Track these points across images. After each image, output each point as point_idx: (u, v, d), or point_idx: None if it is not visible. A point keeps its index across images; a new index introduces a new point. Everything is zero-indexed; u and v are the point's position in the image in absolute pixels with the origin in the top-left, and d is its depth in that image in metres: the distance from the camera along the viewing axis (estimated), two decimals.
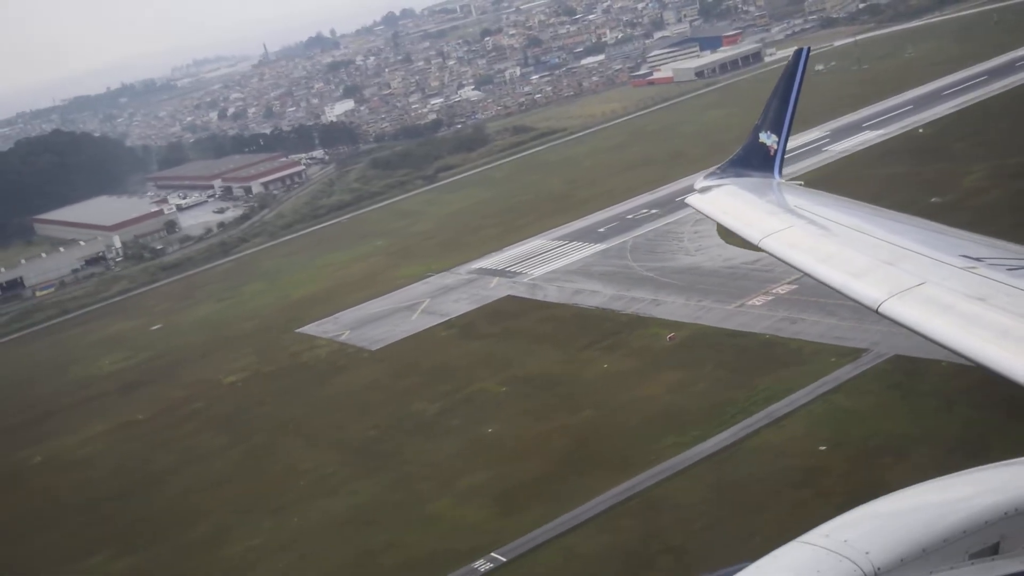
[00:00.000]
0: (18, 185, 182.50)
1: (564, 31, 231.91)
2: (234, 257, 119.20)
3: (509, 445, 52.19)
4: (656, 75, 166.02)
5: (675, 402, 52.12)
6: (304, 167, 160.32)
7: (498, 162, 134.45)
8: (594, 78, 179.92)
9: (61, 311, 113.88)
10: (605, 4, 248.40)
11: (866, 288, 20.97)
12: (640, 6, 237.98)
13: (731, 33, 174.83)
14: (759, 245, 27.06)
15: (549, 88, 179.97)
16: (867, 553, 12.68)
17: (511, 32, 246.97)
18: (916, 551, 12.90)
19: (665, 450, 47.48)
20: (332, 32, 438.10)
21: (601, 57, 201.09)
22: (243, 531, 50.38)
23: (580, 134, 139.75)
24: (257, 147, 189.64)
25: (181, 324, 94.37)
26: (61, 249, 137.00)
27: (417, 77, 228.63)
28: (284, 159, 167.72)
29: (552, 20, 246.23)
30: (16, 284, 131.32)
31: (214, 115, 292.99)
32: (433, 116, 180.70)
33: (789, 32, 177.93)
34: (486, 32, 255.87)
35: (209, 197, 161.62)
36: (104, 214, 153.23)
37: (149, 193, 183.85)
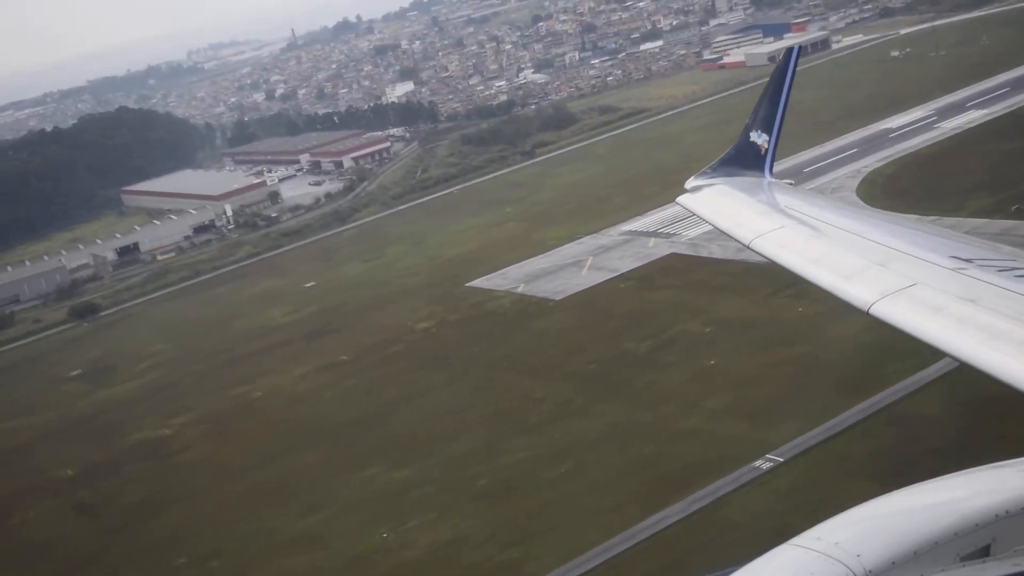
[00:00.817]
0: (101, 158, 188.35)
1: (616, 18, 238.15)
2: (354, 224, 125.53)
3: (736, 375, 58.13)
4: (726, 59, 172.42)
5: (883, 337, 58.40)
6: (390, 143, 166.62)
7: (593, 139, 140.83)
8: (661, 62, 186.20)
9: (194, 272, 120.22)
10: None
11: (857, 289, 21.09)
12: None
13: (800, 20, 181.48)
14: (750, 246, 27.26)
15: (619, 71, 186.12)
16: (858, 556, 12.82)
17: (563, 18, 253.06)
18: (907, 554, 13.01)
19: (891, 375, 53.54)
20: (358, 18, 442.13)
21: (659, 43, 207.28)
22: (506, 446, 55.70)
23: (668, 114, 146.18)
24: (332, 125, 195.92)
25: (335, 282, 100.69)
26: (173, 217, 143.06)
27: (473, 60, 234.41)
28: (368, 136, 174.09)
29: (603, 7, 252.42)
30: (132, 249, 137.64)
31: (259, 96, 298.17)
32: (504, 97, 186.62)
33: (849, 20, 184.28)
34: (537, 18, 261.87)
35: (297, 171, 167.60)
36: (200, 185, 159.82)
37: (227, 167, 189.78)
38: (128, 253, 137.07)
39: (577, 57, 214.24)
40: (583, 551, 43.11)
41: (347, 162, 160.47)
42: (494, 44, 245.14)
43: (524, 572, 43.37)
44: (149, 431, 73.11)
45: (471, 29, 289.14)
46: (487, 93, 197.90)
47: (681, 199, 34.77)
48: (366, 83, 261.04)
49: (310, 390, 72.89)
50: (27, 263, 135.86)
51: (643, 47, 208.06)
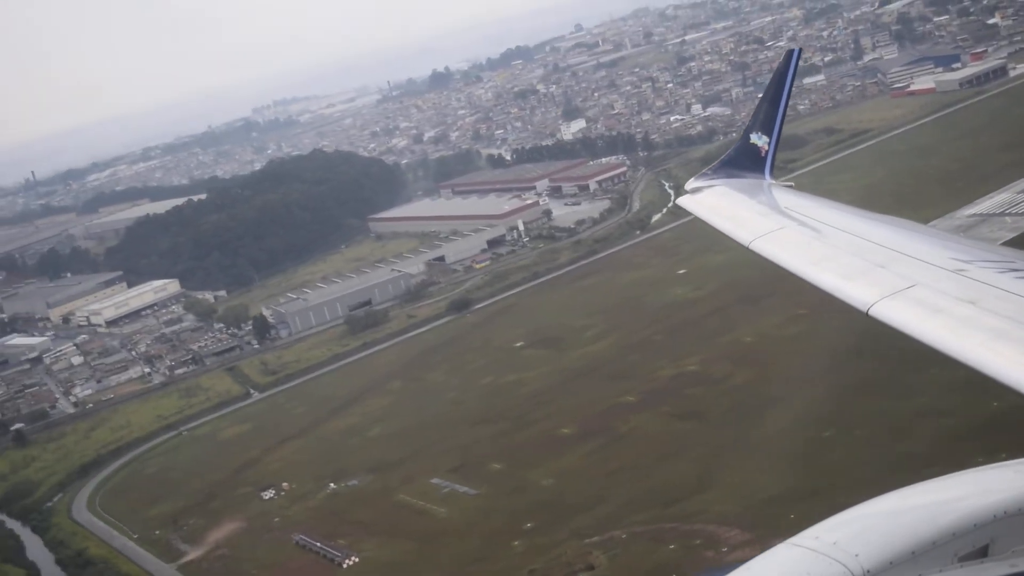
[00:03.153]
0: (337, 192, 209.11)
1: (763, 56, 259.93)
2: (662, 231, 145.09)
3: None
4: (914, 86, 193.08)
5: None
6: (627, 167, 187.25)
7: (838, 155, 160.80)
8: (847, 90, 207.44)
9: (531, 274, 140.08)
10: (789, 33, 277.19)
11: (857, 290, 21.08)
12: (824, 33, 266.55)
13: (978, 50, 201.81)
14: (750, 246, 27.09)
15: (806, 101, 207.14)
16: (856, 555, 13.00)
17: (706, 58, 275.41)
18: (905, 553, 13.19)
19: None
20: (447, 68, 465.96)
21: (820, 78, 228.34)
22: None
23: (895, 132, 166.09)
24: (540, 157, 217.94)
25: (704, 268, 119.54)
26: (469, 234, 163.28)
27: (634, 100, 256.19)
28: (602, 162, 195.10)
29: (743, 47, 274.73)
30: (440, 261, 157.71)
31: (399, 140, 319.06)
32: (698, 128, 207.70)
33: (1012, 50, 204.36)
34: (683, 59, 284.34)
35: (536, 195, 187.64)
36: (467, 208, 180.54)
37: (445, 196, 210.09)
38: (434, 265, 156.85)
39: (742, 92, 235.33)
40: None
41: (592, 185, 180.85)
42: (650, 83, 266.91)
43: None
44: (672, 370, 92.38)
45: (603, 72, 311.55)
46: (675, 125, 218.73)
47: (681, 200, 34.89)
48: (517, 124, 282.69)
49: (798, 334, 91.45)
50: (374, 270, 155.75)
51: (805, 80, 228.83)
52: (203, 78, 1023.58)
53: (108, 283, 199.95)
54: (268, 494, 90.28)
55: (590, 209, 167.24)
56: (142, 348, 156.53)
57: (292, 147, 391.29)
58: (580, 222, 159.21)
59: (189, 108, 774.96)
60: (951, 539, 13.52)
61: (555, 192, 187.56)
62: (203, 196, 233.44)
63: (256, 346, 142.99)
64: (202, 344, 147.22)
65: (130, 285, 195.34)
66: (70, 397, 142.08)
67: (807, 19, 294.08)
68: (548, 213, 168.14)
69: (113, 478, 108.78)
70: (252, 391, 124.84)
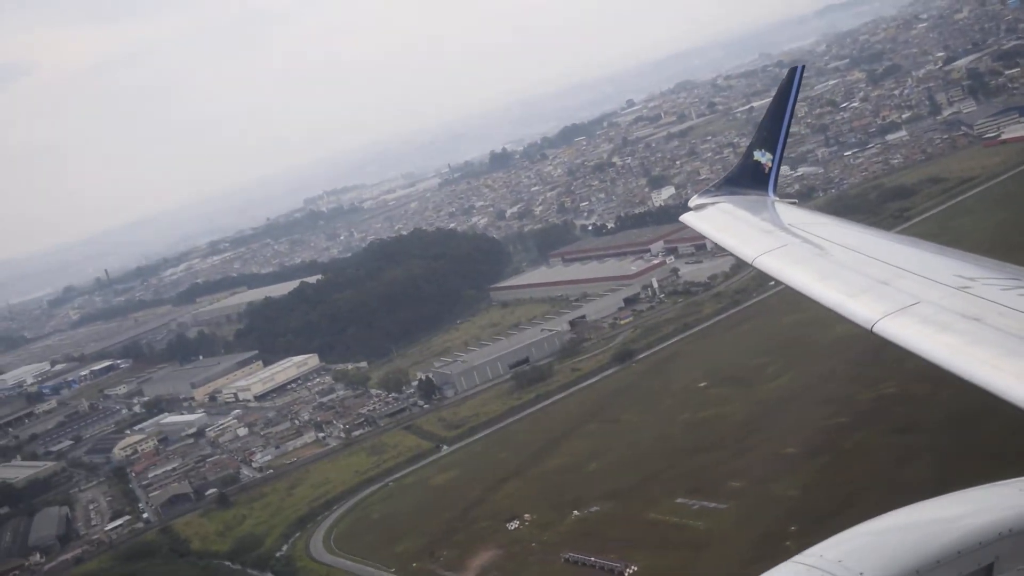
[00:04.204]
0: (452, 267, 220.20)
1: (839, 118, 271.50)
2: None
3: None
4: (1006, 135, 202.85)
5: None
6: None
7: (949, 202, 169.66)
8: (936, 143, 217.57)
9: (682, 325, 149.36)
10: (860, 94, 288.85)
11: (861, 307, 20.77)
12: (896, 92, 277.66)
13: None
14: (753, 263, 27.21)
15: (897, 156, 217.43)
16: (861, 574, 13.00)
17: None
18: (909, 572, 13.13)
19: None
20: (504, 149, 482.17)
21: (902, 133, 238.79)
22: None
23: (997, 179, 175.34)
24: (638, 224, 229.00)
25: None
26: (605, 294, 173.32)
27: (718, 165, 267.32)
28: None
29: (817, 110, 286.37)
30: (581, 320, 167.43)
31: (481, 218, 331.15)
32: (797, 187, 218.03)
33: None
34: (755, 125, 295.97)
35: (652, 257, 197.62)
36: (593, 272, 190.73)
37: (557, 265, 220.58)
38: (576, 323, 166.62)
39: (827, 152, 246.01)
40: None
41: (709, 244, 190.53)
42: (731, 148, 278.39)
43: None
44: (870, 394, 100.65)
45: (676, 142, 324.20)
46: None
47: (684, 217, 35.13)
48: (601, 195, 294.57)
49: None
50: (521, 332, 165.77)
51: (888, 137, 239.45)
52: (221, 180, 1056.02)
53: (244, 363, 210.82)
54: (513, 524, 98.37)
55: (713, 266, 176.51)
56: (305, 416, 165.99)
57: (364, 232, 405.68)
58: (713, 276, 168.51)
59: (214, 205, 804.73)
60: (956, 557, 13.40)
61: (670, 253, 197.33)
62: (319, 277, 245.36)
63: (424, 406, 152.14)
64: (371, 408, 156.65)
65: (265, 363, 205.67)
66: (252, 463, 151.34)
67: (871, 80, 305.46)
68: (675, 271, 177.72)
69: (338, 526, 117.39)
70: (441, 445, 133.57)
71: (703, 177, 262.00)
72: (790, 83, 31.59)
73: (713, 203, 33.36)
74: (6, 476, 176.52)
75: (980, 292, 19.80)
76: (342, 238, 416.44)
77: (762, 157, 32.52)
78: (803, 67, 33.27)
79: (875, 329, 19.97)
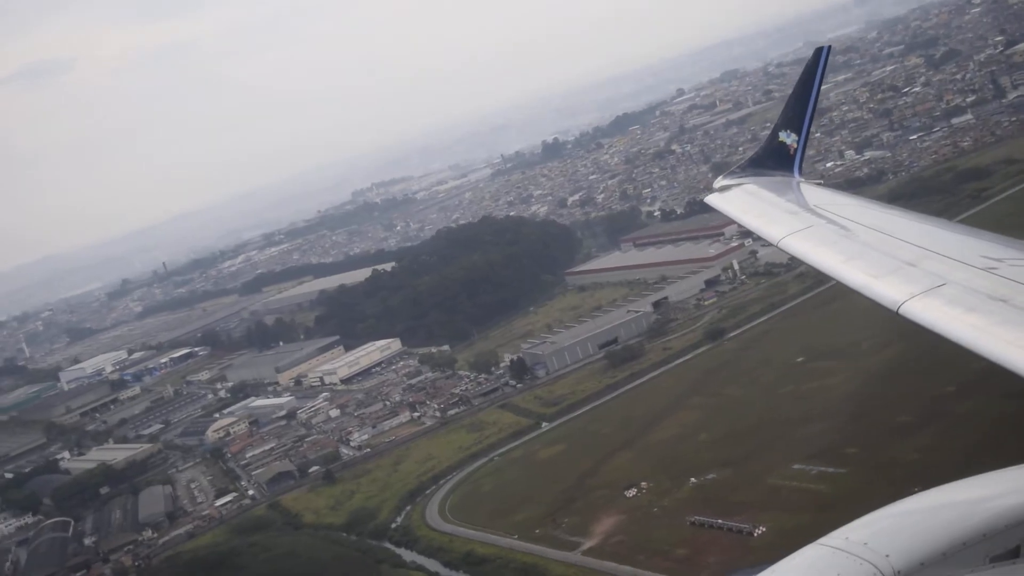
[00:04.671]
0: (527, 253, 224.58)
1: (902, 103, 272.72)
2: None
3: None
4: None
5: None
6: None
7: None
8: (1004, 126, 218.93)
9: (768, 305, 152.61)
10: (921, 79, 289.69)
11: (887, 289, 20.92)
12: (957, 77, 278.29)
13: None
14: (778, 245, 27.39)
15: (969, 138, 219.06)
16: (887, 556, 13.27)
17: (844, 108, 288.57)
18: (936, 554, 13.34)
19: None
20: (556, 140, 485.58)
21: (968, 117, 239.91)
22: None
23: None
24: (706, 209, 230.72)
25: None
26: (687, 276, 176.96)
27: None
28: None
29: (879, 95, 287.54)
30: (663, 301, 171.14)
31: (540, 207, 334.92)
32: (865, 170, 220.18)
33: None
34: (821, 111, 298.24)
35: (727, 241, 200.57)
36: (670, 255, 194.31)
37: (630, 249, 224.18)
38: (660, 305, 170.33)
39: (892, 136, 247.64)
40: None
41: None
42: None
43: None
44: (980, 363, 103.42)
45: (734, 129, 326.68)
46: (837, 170, 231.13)
47: (710, 198, 35.05)
48: (663, 183, 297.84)
49: None
50: (606, 313, 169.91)
51: (954, 121, 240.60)
52: (256, 176, 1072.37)
53: (325, 348, 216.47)
54: (631, 492, 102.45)
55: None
56: (396, 397, 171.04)
57: (421, 222, 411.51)
58: (793, 258, 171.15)
59: (255, 200, 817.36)
60: (982, 540, 13.57)
61: (745, 236, 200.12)
62: (393, 264, 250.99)
63: (517, 386, 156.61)
64: (464, 388, 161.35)
65: (346, 348, 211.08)
66: (349, 442, 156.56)
67: (930, 65, 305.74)
68: (754, 253, 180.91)
69: (450, 497, 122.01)
70: (541, 422, 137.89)
71: None
72: (816, 64, 31.49)
73: (739, 184, 33.40)
74: (104, 458, 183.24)
75: (1007, 273, 19.78)
76: (399, 228, 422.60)
77: (787, 138, 32.51)
78: (829, 48, 32.80)
79: (901, 311, 20.31)
